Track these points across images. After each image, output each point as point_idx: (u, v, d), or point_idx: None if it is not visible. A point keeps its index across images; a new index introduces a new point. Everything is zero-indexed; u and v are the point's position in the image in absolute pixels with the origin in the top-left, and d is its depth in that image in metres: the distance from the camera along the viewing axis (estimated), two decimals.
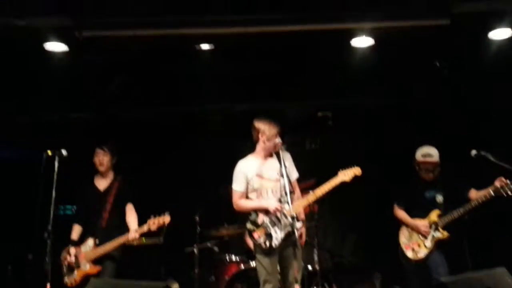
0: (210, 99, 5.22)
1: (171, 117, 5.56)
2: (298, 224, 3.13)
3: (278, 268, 3.45)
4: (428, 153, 3.83)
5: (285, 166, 3.26)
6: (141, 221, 5.19)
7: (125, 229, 3.77)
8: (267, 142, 3.44)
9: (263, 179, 3.44)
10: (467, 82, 4.64)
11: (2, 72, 4.20)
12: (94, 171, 3.95)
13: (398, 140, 5.12)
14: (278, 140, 3.41)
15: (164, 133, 5.68)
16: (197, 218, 4.83)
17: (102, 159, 3.87)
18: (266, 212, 3.37)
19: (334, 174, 3.60)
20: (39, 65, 4.08)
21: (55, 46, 3.76)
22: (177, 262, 5.06)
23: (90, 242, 3.72)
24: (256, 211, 3.42)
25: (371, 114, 5.32)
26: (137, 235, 3.64)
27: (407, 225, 3.87)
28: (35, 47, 3.71)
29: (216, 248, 4.93)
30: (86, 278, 3.57)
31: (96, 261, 3.67)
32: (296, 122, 5.60)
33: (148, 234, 5.07)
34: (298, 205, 3.39)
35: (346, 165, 3.78)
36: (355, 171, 3.42)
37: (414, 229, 3.79)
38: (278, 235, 3.32)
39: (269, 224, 3.36)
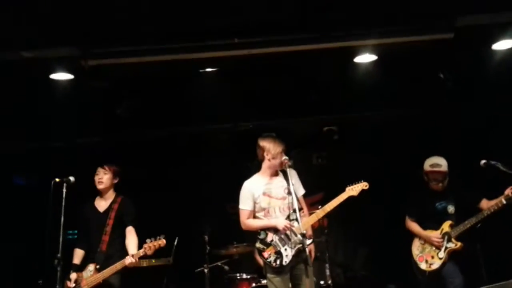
0: (215, 119, 5.26)
1: (177, 138, 5.60)
2: (308, 241, 3.12)
3: (290, 286, 3.44)
4: (436, 163, 3.82)
5: (292, 184, 3.26)
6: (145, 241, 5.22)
7: (126, 252, 3.67)
8: (273, 160, 3.47)
9: (270, 198, 3.46)
10: (471, 93, 4.65)
11: (10, 101, 4.28)
12: (95, 193, 3.84)
13: (404, 152, 5.11)
14: (284, 157, 3.43)
15: (170, 154, 5.72)
16: (206, 237, 4.84)
17: (102, 177, 3.75)
18: (275, 230, 3.37)
19: (341, 188, 3.61)
20: (45, 93, 4.16)
21: (61, 76, 3.85)
22: (187, 282, 5.03)
23: (91, 267, 3.62)
24: (265, 229, 3.42)
25: (377, 127, 5.33)
26: (133, 260, 3.53)
27: (419, 237, 3.83)
28: (41, 77, 3.78)
29: (226, 267, 4.91)
30: None
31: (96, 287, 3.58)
32: (302, 138, 5.62)
33: (157, 255, 5.12)
34: (307, 222, 3.40)
35: (353, 179, 3.78)
36: (363, 186, 3.44)
37: (427, 241, 3.76)
38: (288, 253, 3.32)
39: (278, 243, 3.36)
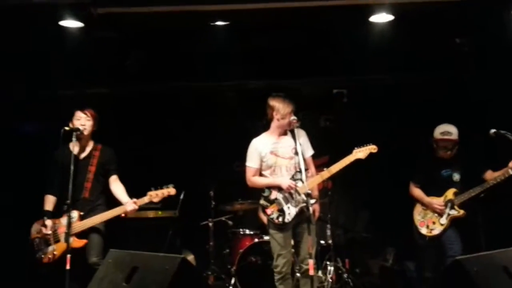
0: (224, 76, 5.22)
1: (184, 93, 5.59)
2: (312, 201, 3.11)
3: (292, 242, 3.53)
4: (447, 131, 3.78)
5: (300, 144, 3.28)
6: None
7: (108, 199, 3.59)
8: (281, 120, 3.46)
9: (277, 157, 3.46)
10: (487, 58, 4.53)
11: (21, 49, 4.25)
12: (64, 138, 3.47)
13: (413, 117, 5.07)
14: (292, 118, 3.42)
15: (178, 109, 5.73)
16: (211, 193, 4.94)
17: (85, 123, 3.53)
18: (279, 189, 3.42)
19: (348, 151, 3.60)
20: (55, 40, 4.12)
21: (71, 23, 3.80)
22: (192, 235, 5.19)
23: (73, 214, 3.37)
24: (270, 187, 3.47)
25: (387, 91, 5.26)
26: (136, 207, 3.45)
27: (422, 203, 3.87)
28: (51, 24, 3.73)
29: (230, 222, 5.04)
30: (67, 252, 3.20)
31: (79, 235, 3.42)
32: (310, 99, 5.57)
33: (163, 208, 5.25)
34: (312, 182, 3.42)
35: (360, 142, 3.78)
36: (371, 149, 3.43)
37: (429, 207, 3.80)
38: (291, 211, 3.39)
39: (282, 201, 3.42)
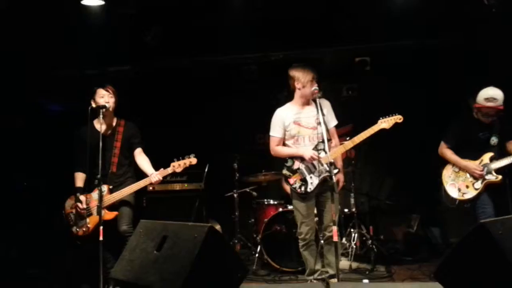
0: (244, 49, 5.18)
1: (207, 67, 5.60)
2: (335, 171, 3.11)
3: (316, 211, 3.59)
4: (492, 97, 3.48)
5: (323, 114, 3.24)
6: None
7: (135, 172, 3.70)
8: (303, 89, 3.46)
9: (300, 127, 3.48)
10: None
11: (43, 28, 4.32)
12: (91, 116, 3.60)
13: (438, 84, 4.95)
14: (314, 87, 3.40)
15: (200, 83, 5.77)
16: (235, 165, 5.02)
17: (109, 100, 3.60)
18: (302, 159, 3.46)
19: (371, 120, 3.58)
20: (77, 19, 4.17)
21: (92, 1, 3.84)
22: (218, 206, 5.32)
23: (103, 188, 3.49)
24: (292, 157, 3.51)
25: (410, 57, 5.13)
26: (160, 178, 3.53)
27: (454, 165, 3.67)
28: (73, 3, 3.77)
29: (254, 193, 5.14)
30: (99, 225, 3.34)
31: (110, 208, 3.55)
32: (332, 69, 5.50)
33: (189, 180, 5.37)
34: (335, 152, 3.43)
35: (383, 110, 3.73)
36: (396, 119, 3.39)
37: (467, 171, 3.58)
38: (313, 181, 3.43)
39: (304, 171, 3.46)
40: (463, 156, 3.67)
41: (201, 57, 5.38)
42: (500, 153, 3.56)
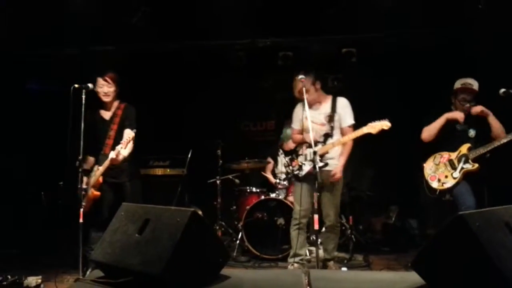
0: (232, 35, 5.13)
1: (194, 52, 5.52)
2: (321, 164, 3.48)
3: (309, 194, 3.72)
4: (468, 82, 3.74)
5: (337, 112, 3.67)
6: (162, 152, 5.40)
7: (130, 157, 3.73)
8: (299, 95, 3.63)
9: (312, 122, 3.65)
10: (501, 17, 4.39)
11: (28, 9, 4.19)
12: (98, 102, 3.80)
13: (422, 77, 5.01)
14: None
15: (186, 68, 5.70)
16: (219, 152, 5.01)
17: (107, 91, 3.74)
18: (307, 147, 3.76)
19: (355, 112, 3.68)
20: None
21: None
22: (200, 192, 5.31)
23: (95, 169, 3.72)
24: (302, 144, 3.87)
25: (396, 50, 5.17)
26: (113, 156, 3.51)
27: (440, 125, 3.76)
28: None
29: (237, 180, 5.15)
30: (93, 204, 3.67)
31: (99, 188, 3.67)
32: (319, 59, 5.50)
33: (172, 165, 5.35)
34: (324, 148, 3.65)
35: (367, 103, 3.81)
36: (383, 125, 3.46)
37: (451, 119, 3.72)
38: (305, 168, 3.71)
39: (302, 158, 3.81)
40: (442, 147, 3.78)
41: (188, 42, 5.30)
42: (479, 145, 3.64)
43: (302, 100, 3.63)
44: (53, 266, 3.81)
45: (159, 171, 5.32)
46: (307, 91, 3.60)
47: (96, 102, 3.75)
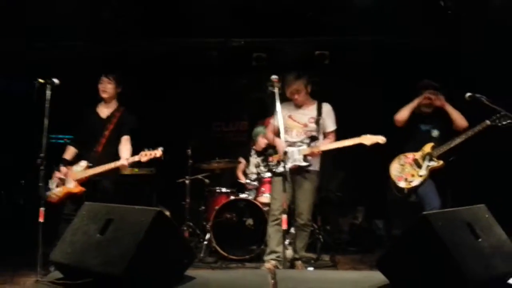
0: (206, 33, 5.07)
1: (166, 50, 5.41)
2: (304, 163, 3.68)
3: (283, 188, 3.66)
4: (429, 81, 3.88)
5: (321, 117, 3.75)
6: (134, 152, 5.30)
7: (118, 158, 3.77)
8: (290, 95, 3.79)
9: (293, 121, 3.81)
10: (469, 22, 4.53)
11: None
12: (98, 100, 3.90)
13: (396, 79, 5.09)
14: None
15: (158, 65, 5.58)
16: (189, 151, 4.94)
17: (106, 86, 3.82)
18: (288, 146, 3.75)
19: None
20: None
21: None
22: (168, 192, 5.22)
23: (82, 163, 3.71)
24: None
25: (370, 53, 5.25)
26: (126, 163, 3.67)
27: (410, 108, 3.82)
28: None
29: (207, 180, 5.09)
30: (68, 196, 3.64)
31: (84, 184, 3.67)
32: (294, 61, 5.50)
33: (140, 165, 5.24)
34: (303, 150, 3.71)
35: (341, 107, 3.85)
36: (379, 139, 3.51)
37: (422, 103, 3.80)
38: (282, 166, 3.67)
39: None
40: (407, 148, 3.86)
41: (160, 39, 5.19)
42: (442, 145, 3.73)
43: (292, 100, 3.75)
44: (10, 267, 3.64)
45: (127, 171, 5.19)
46: (299, 92, 3.71)
47: (96, 100, 3.88)
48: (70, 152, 3.87)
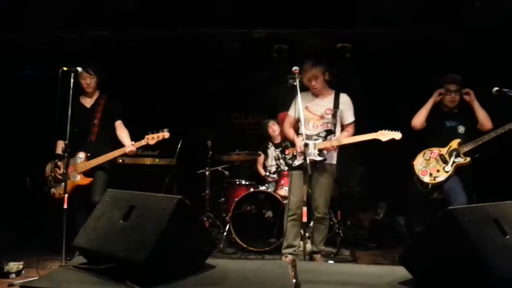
0: (227, 25, 5.05)
1: (187, 41, 5.42)
2: (319, 158, 3.60)
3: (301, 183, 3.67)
4: (453, 75, 3.83)
5: (339, 109, 3.68)
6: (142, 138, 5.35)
7: (115, 144, 3.88)
8: (308, 82, 3.73)
9: (309, 112, 3.74)
10: (497, 14, 4.38)
11: None
12: (79, 91, 3.96)
13: (418, 73, 4.98)
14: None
15: (181, 56, 5.59)
16: (209, 143, 4.96)
17: (90, 82, 3.94)
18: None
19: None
20: None
21: None
22: (189, 183, 5.26)
23: (81, 154, 3.81)
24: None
25: (392, 46, 5.14)
26: (133, 149, 3.76)
27: (426, 111, 3.82)
28: None
29: (226, 172, 5.11)
30: (76, 189, 3.74)
31: (86, 173, 3.79)
32: (314, 52, 5.44)
33: (162, 155, 5.30)
34: (323, 144, 3.66)
35: (358, 100, 3.79)
36: (395, 135, 3.46)
37: (439, 98, 3.80)
38: (299, 159, 3.70)
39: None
40: (431, 144, 3.80)
41: (182, 30, 5.20)
42: (469, 141, 3.66)
43: (309, 88, 3.71)
44: (36, 252, 3.74)
45: (148, 161, 5.26)
46: (316, 78, 3.65)
47: (76, 91, 3.81)
48: (61, 146, 3.81)
